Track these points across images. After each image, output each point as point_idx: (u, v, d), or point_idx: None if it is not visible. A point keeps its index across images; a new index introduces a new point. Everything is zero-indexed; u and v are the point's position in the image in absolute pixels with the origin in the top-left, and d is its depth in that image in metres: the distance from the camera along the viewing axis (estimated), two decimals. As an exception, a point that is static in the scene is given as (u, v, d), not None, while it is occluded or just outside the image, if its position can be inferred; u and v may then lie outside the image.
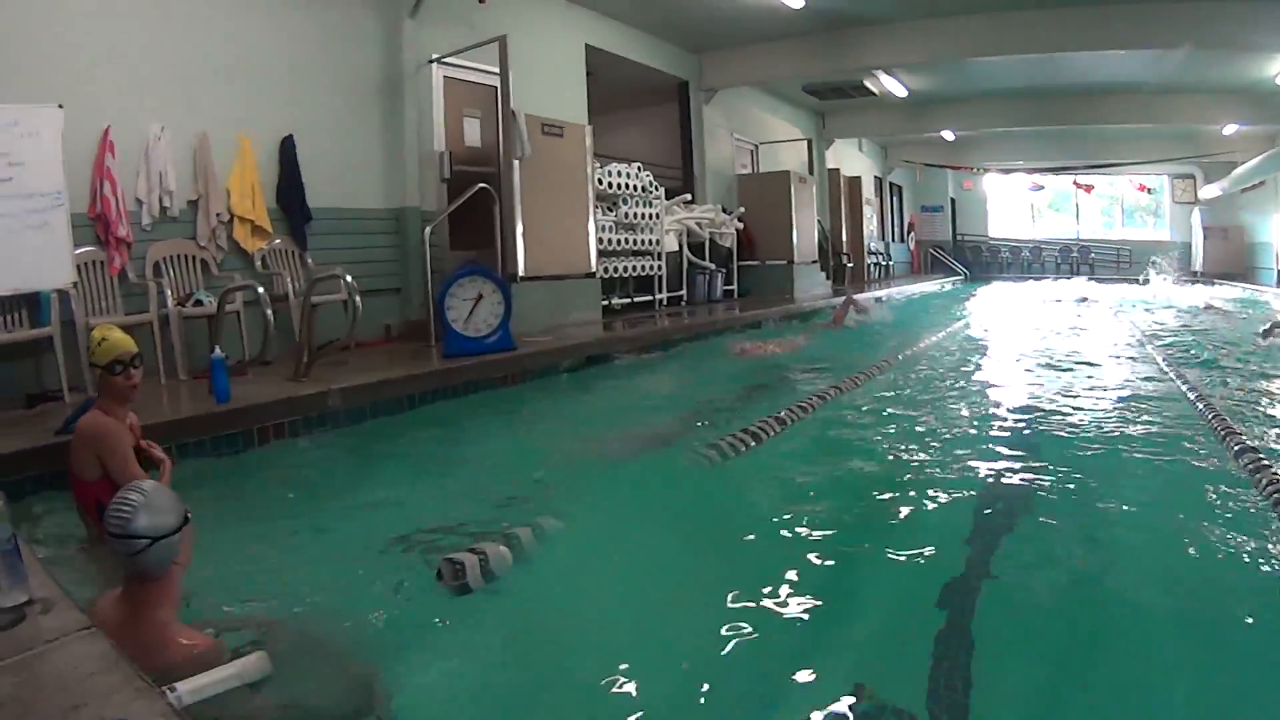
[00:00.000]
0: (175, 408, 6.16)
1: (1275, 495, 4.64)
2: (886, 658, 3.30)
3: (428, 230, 9.66)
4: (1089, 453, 6.10)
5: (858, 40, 15.90)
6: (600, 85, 14.58)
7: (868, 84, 19.21)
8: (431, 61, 10.79)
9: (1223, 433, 6.23)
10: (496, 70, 10.30)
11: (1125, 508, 4.89)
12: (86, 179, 7.26)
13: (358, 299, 7.04)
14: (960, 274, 29.98)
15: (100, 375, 4.14)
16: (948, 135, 25.07)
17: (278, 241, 8.97)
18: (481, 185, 9.93)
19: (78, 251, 6.88)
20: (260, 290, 6.97)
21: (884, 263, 26.45)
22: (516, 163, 10.45)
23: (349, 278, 7.14)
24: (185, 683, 2.33)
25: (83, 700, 1.93)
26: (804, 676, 3.06)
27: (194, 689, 2.34)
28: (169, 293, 7.54)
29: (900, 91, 19.77)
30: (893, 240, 29.34)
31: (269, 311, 6.96)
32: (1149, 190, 30.76)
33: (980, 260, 32.64)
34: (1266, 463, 5.23)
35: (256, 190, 8.68)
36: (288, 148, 9.12)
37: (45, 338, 6.49)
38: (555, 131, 11.33)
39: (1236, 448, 5.72)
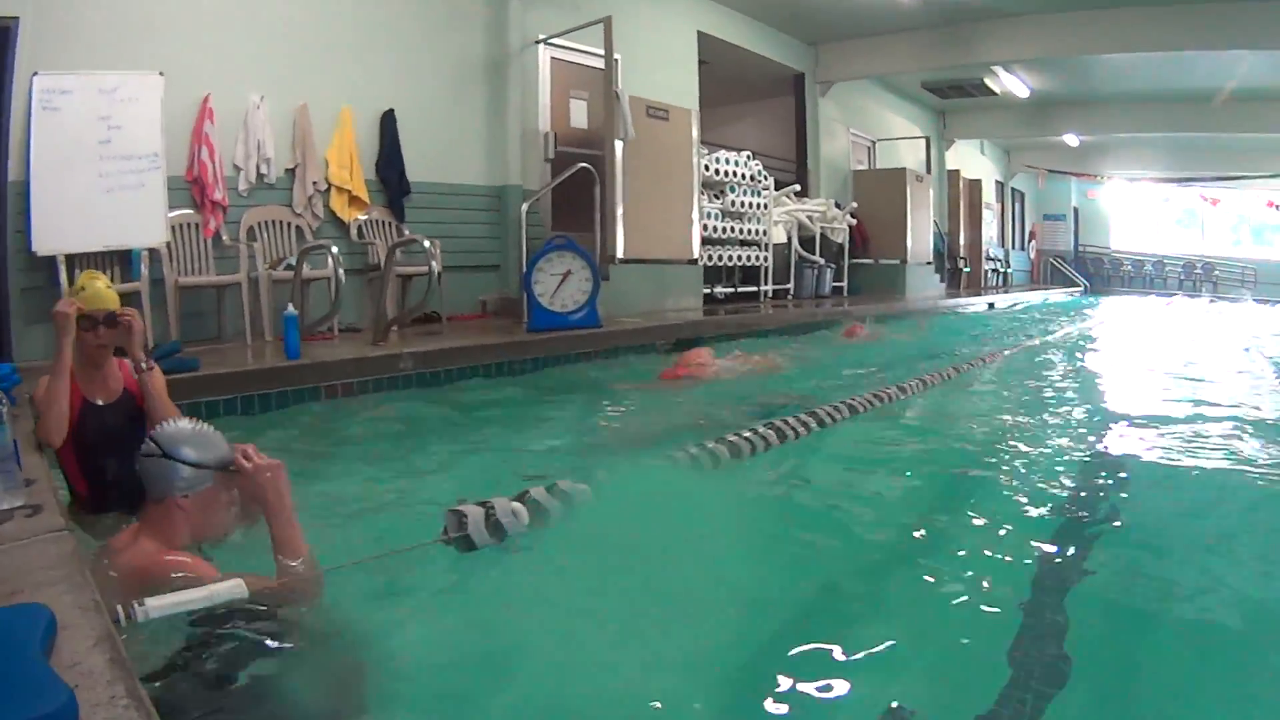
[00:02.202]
0: (246, 361, 6.30)
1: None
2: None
3: (525, 207, 9.63)
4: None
5: (977, 34, 15.40)
6: (715, 75, 14.42)
7: (988, 82, 18.57)
8: (538, 42, 10.79)
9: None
10: (602, 52, 10.25)
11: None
12: (185, 144, 7.44)
13: (436, 265, 7.07)
14: (1080, 285, 28.90)
15: (95, 341, 3.53)
16: (1071, 140, 24.10)
17: (375, 212, 9.07)
18: (582, 165, 9.85)
19: (173, 214, 7.08)
20: (335, 251, 7.00)
21: (1002, 270, 25.62)
22: (619, 144, 10.39)
23: (428, 243, 7.16)
24: (154, 599, 2.27)
25: (19, 588, 2.00)
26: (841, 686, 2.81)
27: (161, 605, 2.27)
28: (260, 257, 7.65)
29: (1022, 91, 19.09)
30: (1013, 248, 28.42)
31: (340, 272, 6.98)
32: (1277, 207, 29.08)
33: (1101, 273, 31.35)
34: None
35: (355, 161, 8.78)
36: (389, 121, 9.21)
37: (133, 293, 6.62)
38: (660, 115, 11.25)
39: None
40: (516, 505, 3.42)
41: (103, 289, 3.52)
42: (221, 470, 2.72)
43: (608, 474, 4.22)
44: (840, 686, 2.76)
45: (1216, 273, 29.83)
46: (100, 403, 3.54)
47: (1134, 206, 31.55)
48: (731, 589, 3.43)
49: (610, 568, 3.50)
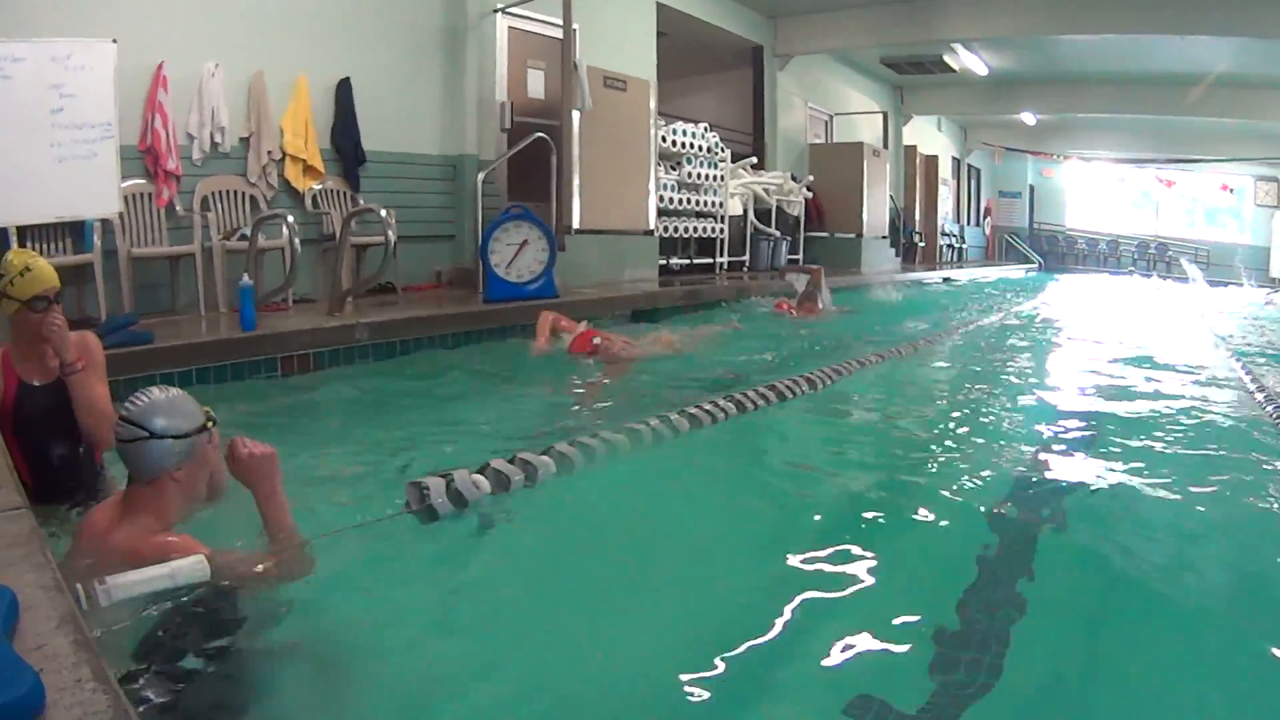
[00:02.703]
0: (201, 333, 6.28)
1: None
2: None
3: (480, 176, 9.61)
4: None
5: (937, 11, 15.51)
6: (673, 47, 14.35)
7: (947, 59, 18.67)
8: (496, 11, 10.71)
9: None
10: (560, 22, 10.22)
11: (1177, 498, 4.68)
12: (139, 112, 7.35)
13: (392, 234, 7.06)
14: (1035, 262, 29.22)
15: (17, 313, 3.30)
16: (1028, 119, 24.29)
17: (330, 182, 9.01)
18: (539, 135, 9.84)
19: (126, 183, 6.97)
20: (290, 219, 7.01)
21: (957, 245, 25.90)
22: (576, 114, 10.38)
23: (385, 212, 7.14)
24: (115, 577, 2.28)
25: None
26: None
27: (123, 584, 2.28)
28: (215, 228, 7.61)
29: (981, 69, 19.26)
30: (968, 224, 28.69)
31: (297, 242, 6.96)
32: (1231, 190, 29.45)
33: (1056, 250, 31.63)
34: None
35: (310, 130, 8.70)
36: (344, 90, 9.13)
37: (86, 264, 6.59)
38: (618, 85, 11.26)
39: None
40: (477, 476, 3.49)
41: (44, 266, 3.35)
42: (202, 430, 2.71)
43: (569, 447, 4.26)
44: (802, 658, 2.87)
45: (1170, 253, 30.21)
46: (37, 384, 3.40)
47: (1089, 186, 31.85)
48: (692, 562, 3.50)
49: (576, 543, 3.57)
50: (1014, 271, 25.48)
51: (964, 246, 26.60)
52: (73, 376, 3.35)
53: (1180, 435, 5.97)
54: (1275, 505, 4.48)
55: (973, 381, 7.59)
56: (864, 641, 2.93)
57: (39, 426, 3.37)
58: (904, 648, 2.93)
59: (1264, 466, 5.18)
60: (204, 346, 5.71)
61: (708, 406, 5.06)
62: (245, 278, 6.25)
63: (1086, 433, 6.04)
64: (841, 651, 2.88)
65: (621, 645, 2.84)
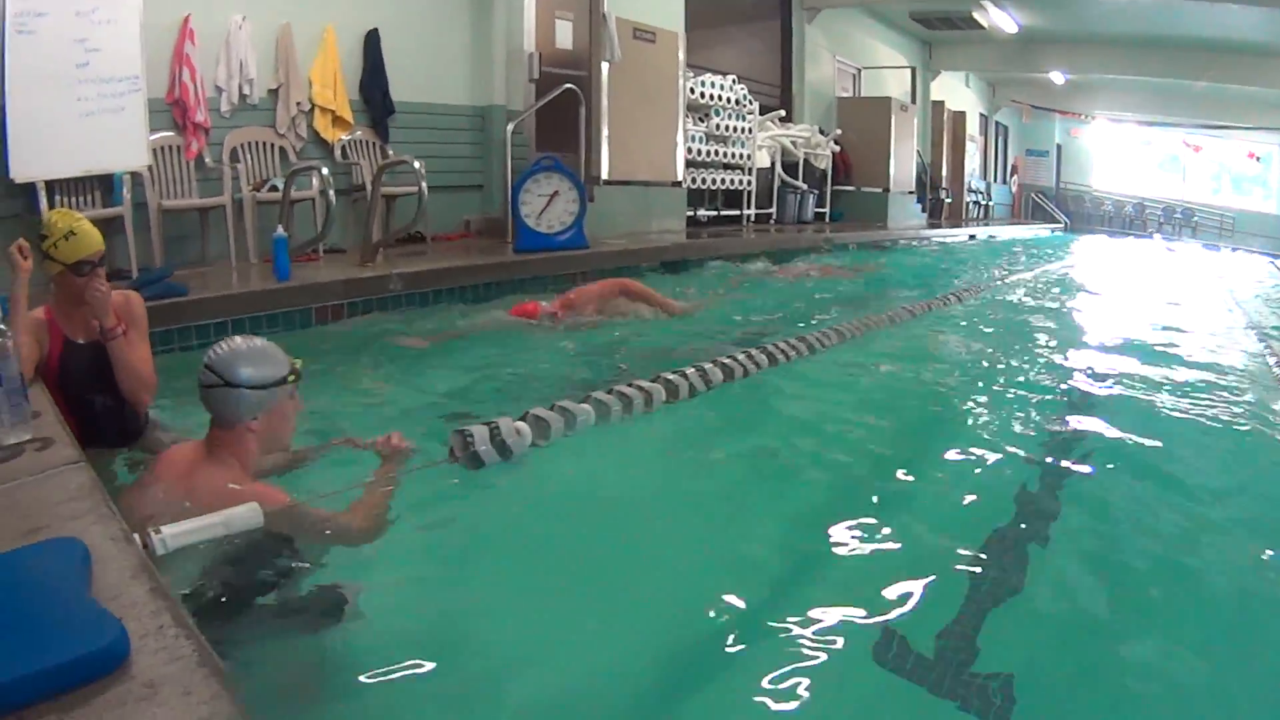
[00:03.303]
0: (237, 284, 6.27)
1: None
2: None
3: (510, 127, 9.54)
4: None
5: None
6: (701, -3, 14.17)
7: (977, 16, 18.33)
8: (523, -39, 10.59)
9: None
10: (589, -28, 10.10)
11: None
12: (166, 66, 7.28)
13: (424, 185, 7.01)
14: (1061, 222, 28.80)
15: (60, 275, 3.27)
16: (1057, 78, 23.85)
17: (359, 133, 8.96)
18: (568, 85, 9.76)
19: (154, 136, 6.92)
20: (324, 172, 6.95)
21: (984, 202, 25.53)
22: (605, 66, 10.32)
23: (418, 164, 7.09)
24: (170, 526, 2.29)
25: (45, 523, 1.97)
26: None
27: (178, 533, 2.28)
28: (244, 179, 7.56)
29: (1010, 26, 18.90)
30: (995, 181, 28.32)
31: (331, 193, 6.90)
32: (1258, 159, 28.91)
33: (1082, 211, 31.11)
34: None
35: (339, 81, 8.64)
36: (373, 40, 9.04)
37: (116, 217, 6.52)
38: (647, 37, 11.15)
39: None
40: (520, 424, 3.44)
41: (92, 229, 3.31)
42: (281, 383, 2.73)
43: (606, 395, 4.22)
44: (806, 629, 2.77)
45: (1196, 219, 29.77)
46: (82, 341, 3.40)
47: (1117, 147, 31.30)
48: (689, 536, 3.42)
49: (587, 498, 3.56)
50: (1039, 230, 25.14)
51: (990, 204, 26.23)
52: (113, 341, 3.33)
53: (1200, 404, 5.86)
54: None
55: (990, 346, 7.42)
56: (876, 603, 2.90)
57: (84, 382, 3.38)
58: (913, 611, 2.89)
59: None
60: (240, 298, 5.71)
61: (727, 360, 5.01)
62: (280, 229, 6.21)
63: (1104, 396, 5.94)
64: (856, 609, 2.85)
65: (642, 603, 2.85)
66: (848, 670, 2.59)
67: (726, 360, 5.01)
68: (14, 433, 2.51)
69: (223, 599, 2.38)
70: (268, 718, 2.12)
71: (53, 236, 3.21)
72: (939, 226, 19.09)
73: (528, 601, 2.80)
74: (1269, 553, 3.43)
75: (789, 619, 2.74)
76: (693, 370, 4.73)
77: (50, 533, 1.90)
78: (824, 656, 2.60)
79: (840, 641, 2.67)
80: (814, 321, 7.28)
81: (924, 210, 19.61)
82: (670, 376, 4.58)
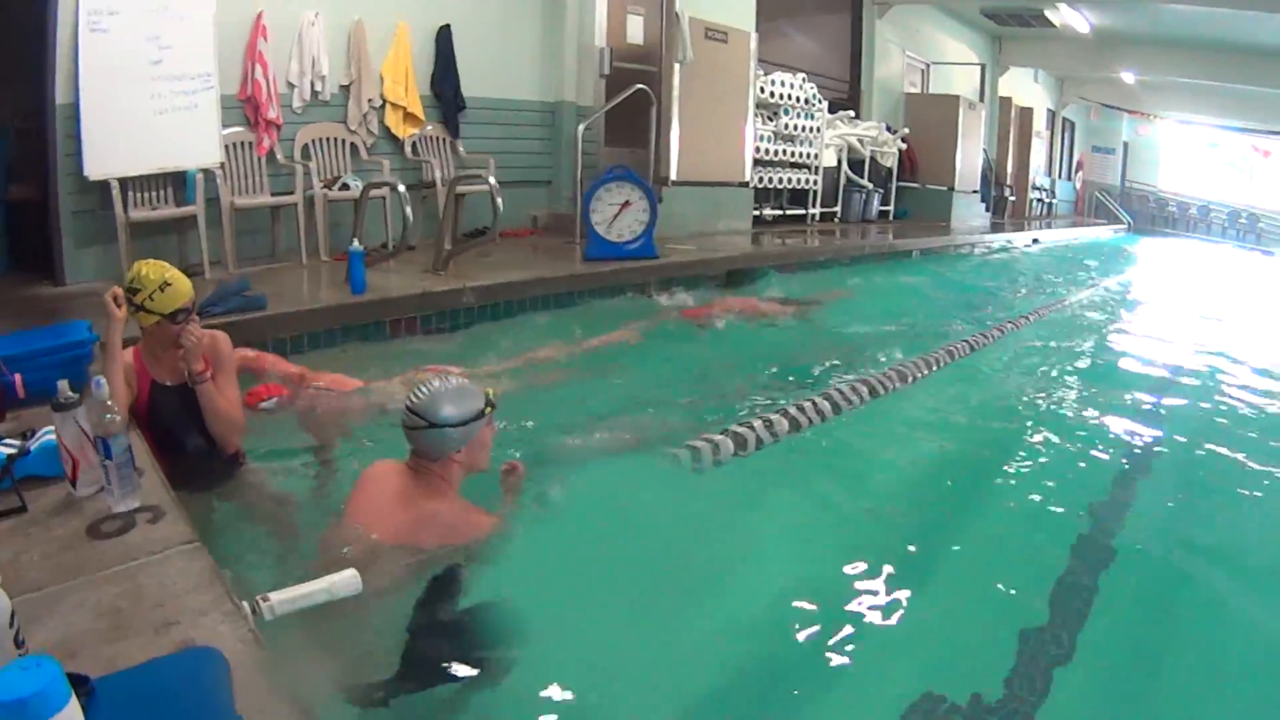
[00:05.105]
0: (314, 295, 6.23)
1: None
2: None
3: (581, 127, 9.42)
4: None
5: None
6: (772, -10, 13.93)
7: (1049, 14, 17.92)
8: (595, -43, 10.43)
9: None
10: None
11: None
12: (238, 62, 7.21)
13: (499, 201, 7.00)
14: (1125, 222, 28.13)
15: (157, 323, 3.28)
16: (1127, 78, 23.29)
17: (429, 128, 8.90)
18: (639, 87, 9.68)
19: (226, 132, 6.89)
20: (401, 189, 6.86)
21: (1048, 200, 25.07)
22: (677, 66, 10.19)
23: (493, 180, 7.12)
24: (277, 594, 2.32)
25: (175, 618, 1.99)
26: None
27: (285, 599, 2.32)
28: (315, 175, 7.48)
29: (1083, 26, 18.44)
30: (1060, 177, 27.76)
31: (408, 210, 6.77)
32: None
33: (1146, 211, 30.34)
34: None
35: (410, 77, 8.55)
36: (444, 36, 8.96)
37: (189, 216, 6.53)
38: (719, 37, 10.97)
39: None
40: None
41: (183, 278, 3.31)
42: (479, 417, 3.00)
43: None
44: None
45: (1261, 224, 29.03)
46: (170, 383, 3.41)
47: (1184, 147, 30.57)
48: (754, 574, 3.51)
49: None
50: (1103, 232, 24.58)
51: (1054, 201, 25.73)
52: (201, 386, 3.35)
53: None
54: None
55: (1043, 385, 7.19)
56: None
57: (174, 424, 3.39)
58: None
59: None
60: (318, 313, 5.64)
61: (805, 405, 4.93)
62: (355, 243, 6.11)
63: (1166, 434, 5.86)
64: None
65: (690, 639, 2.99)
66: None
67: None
68: (124, 501, 2.52)
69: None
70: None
71: (146, 289, 3.21)
72: (1002, 226, 18.75)
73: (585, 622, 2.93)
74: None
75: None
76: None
77: (182, 630, 1.93)
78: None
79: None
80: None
81: (988, 209, 19.26)
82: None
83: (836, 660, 3.01)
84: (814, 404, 5.12)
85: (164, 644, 1.88)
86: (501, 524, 3.14)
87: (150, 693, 1.62)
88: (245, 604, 2.17)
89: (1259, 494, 4.87)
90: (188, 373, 3.32)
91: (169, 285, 3.22)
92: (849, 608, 3.28)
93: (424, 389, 2.94)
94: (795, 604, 3.25)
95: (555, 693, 2.61)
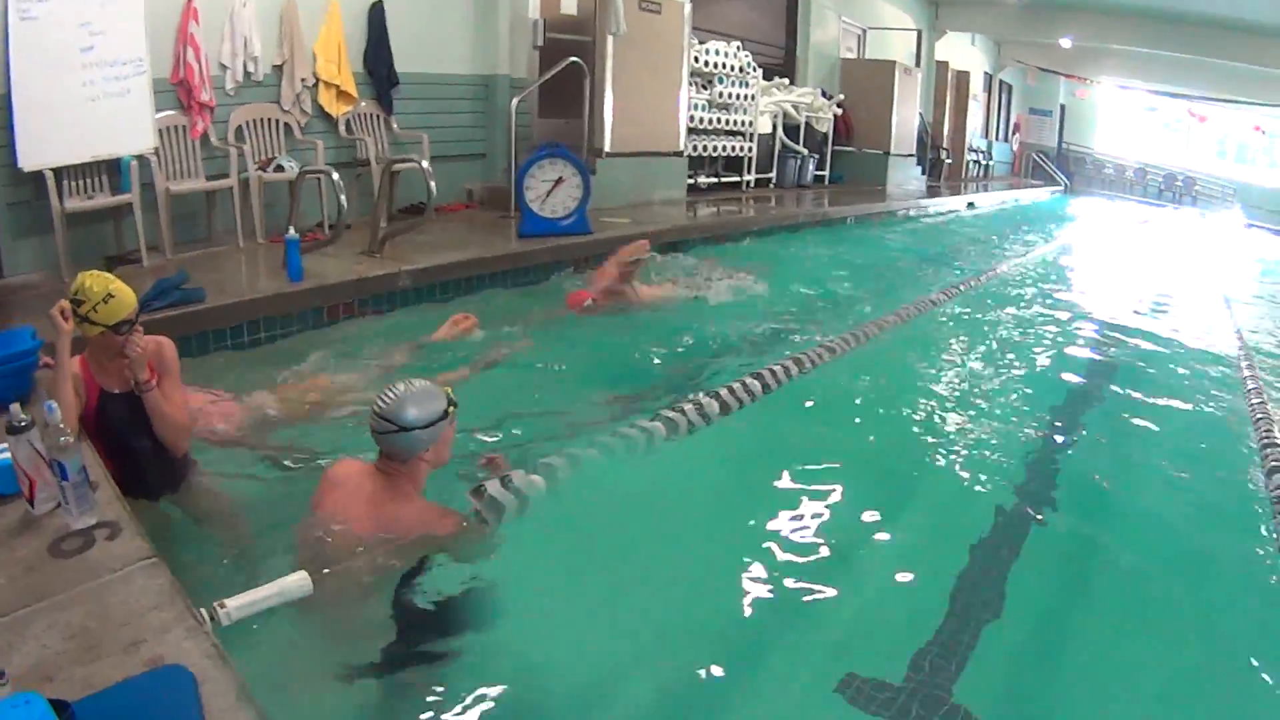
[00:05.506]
0: (252, 283, 6.27)
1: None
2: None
3: (515, 101, 9.52)
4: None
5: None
6: (707, -45, 13.98)
7: (988, -22, 18.17)
8: (529, -74, 10.46)
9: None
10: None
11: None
12: (170, 45, 7.17)
13: (433, 185, 7.12)
14: (1061, 184, 28.61)
15: (101, 334, 3.31)
16: (1065, 43, 23.65)
17: (363, 106, 8.92)
18: (573, 60, 9.76)
19: (159, 116, 6.85)
20: (335, 177, 6.95)
21: (984, 162, 25.42)
22: (610, 37, 10.29)
23: (426, 164, 7.25)
24: (233, 600, 2.42)
25: (142, 636, 2.09)
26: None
27: (241, 605, 2.42)
28: (250, 157, 7.52)
29: (1021, -9, 18.73)
30: (996, 139, 28.15)
31: (343, 198, 6.85)
32: (1263, 132, 28.49)
33: (1083, 172, 31.01)
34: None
35: (343, 54, 8.56)
36: (377, 13, 8.95)
37: (125, 204, 6.52)
38: (652, 8, 11.04)
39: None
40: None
41: (126, 289, 3.33)
42: (444, 417, 3.12)
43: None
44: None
45: (1197, 187, 29.61)
46: (117, 391, 3.46)
47: (1121, 110, 31.09)
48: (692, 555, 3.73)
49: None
50: (1039, 194, 25.02)
51: (991, 163, 26.12)
52: (147, 394, 3.40)
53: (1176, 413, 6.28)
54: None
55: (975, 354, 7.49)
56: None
57: (123, 431, 3.45)
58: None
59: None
60: (257, 303, 5.71)
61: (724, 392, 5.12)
62: (290, 230, 6.21)
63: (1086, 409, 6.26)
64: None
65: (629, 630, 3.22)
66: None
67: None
68: (81, 518, 2.62)
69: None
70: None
71: (90, 301, 3.23)
72: (938, 189, 19.06)
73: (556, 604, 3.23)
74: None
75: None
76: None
77: (150, 648, 2.03)
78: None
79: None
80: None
81: (924, 172, 19.56)
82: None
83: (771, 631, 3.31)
84: (743, 384, 5.32)
85: (134, 663, 1.98)
86: (465, 520, 3.33)
87: (126, 713, 1.75)
88: (203, 610, 2.29)
89: (1180, 457, 5.35)
90: (134, 381, 3.38)
91: (112, 297, 3.26)
92: (774, 586, 3.51)
93: (390, 394, 3.06)
94: (726, 583, 3.51)
95: (523, 670, 2.89)
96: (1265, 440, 5.51)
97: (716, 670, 3.01)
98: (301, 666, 2.79)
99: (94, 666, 1.96)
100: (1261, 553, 4.15)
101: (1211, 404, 6.59)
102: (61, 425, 2.59)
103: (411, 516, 3.14)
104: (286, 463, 4.12)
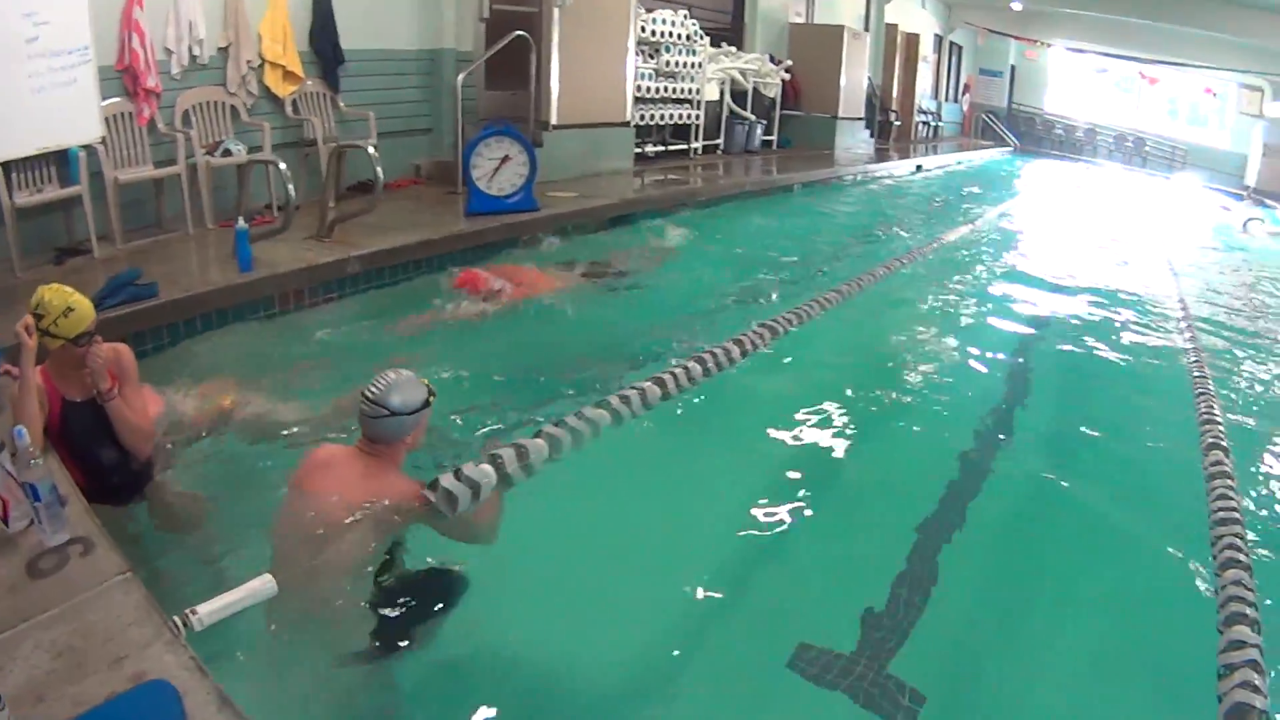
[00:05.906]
0: (203, 275, 6.30)
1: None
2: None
3: (461, 77, 9.59)
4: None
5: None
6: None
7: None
8: (472, -103, 10.43)
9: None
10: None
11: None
12: (114, 31, 7.14)
13: (380, 170, 7.19)
14: (1010, 144, 28.91)
15: (61, 346, 3.42)
16: (1016, 6, 23.86)
17: (309, 85, 8.92)
18: (519, 33, 9.81)
19: (105, 103, 6.82)
20: (283, 167, 6.96)
21: (933, 123, 25.66)
22: (556, 9, 10.32)
23: (373, 149, 7.33)
24: (204, 606, 2.54)
25: (124, 652, 2.22)
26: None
27: (212, 610, 2.55)
28: (197, 142, 7.56)
29: (972, -46, 18.84)
30: (946, 99, 28.39)
31: (290, 187, 6.84)
32: (1214, 94, 28.81)
33: (1033, 133, 31.25)
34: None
35: (288, 34, 8.56)
36: (322, -11, 8.95)
37: (75, 196, 6.53)
38: (598, -23, 11.06)
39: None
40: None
41: (85, 302, 3.45)
42: (426, 405, 3.36)
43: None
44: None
45: (1147, 148, 29.93)
46: (79, 400, 3.56)
47: (1072, 71, 31.24)
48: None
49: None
50: (989, 154, 25.38)
51: (940, 124, 26.35)
52: (109, 402, 3.52)
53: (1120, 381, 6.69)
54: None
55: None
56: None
57: (86, 438, 3.56)
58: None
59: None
60: (208, 296, 5.78)
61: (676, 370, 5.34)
62: (240, 221, 6.28)
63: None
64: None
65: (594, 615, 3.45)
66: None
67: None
68: (55, 536, 2.74)
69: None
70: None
71: (50, 315, 3.35)
72: (887, 151, 19.27)
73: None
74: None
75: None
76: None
77: (133, 664, 2.16)
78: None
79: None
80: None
81: (872, 135, 19.73)
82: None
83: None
84: (685, 369, 5.52)
85: (119, 679, 2.09)
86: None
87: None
88: (176, 619, 2.41)
89: (1131, 416, 5.87)
90: (96, 391, 3.50)
91: (73, 310, 3.37)
92: (724, 561, 3.84)
93: (381, 381, 3.28)
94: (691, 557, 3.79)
95: (485, 647, 3.21)
96: (1205, 417, 5.80)
97: (673, 644, 3.34)
98: (280, 656, 2.95)
99: (83, 685, 2.07)
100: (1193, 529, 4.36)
101: (1156, 378, 6.98)
102: (32, 449, 2.72)
103: (402, 487, 3.37)
104: (247, 457, 4.27)
